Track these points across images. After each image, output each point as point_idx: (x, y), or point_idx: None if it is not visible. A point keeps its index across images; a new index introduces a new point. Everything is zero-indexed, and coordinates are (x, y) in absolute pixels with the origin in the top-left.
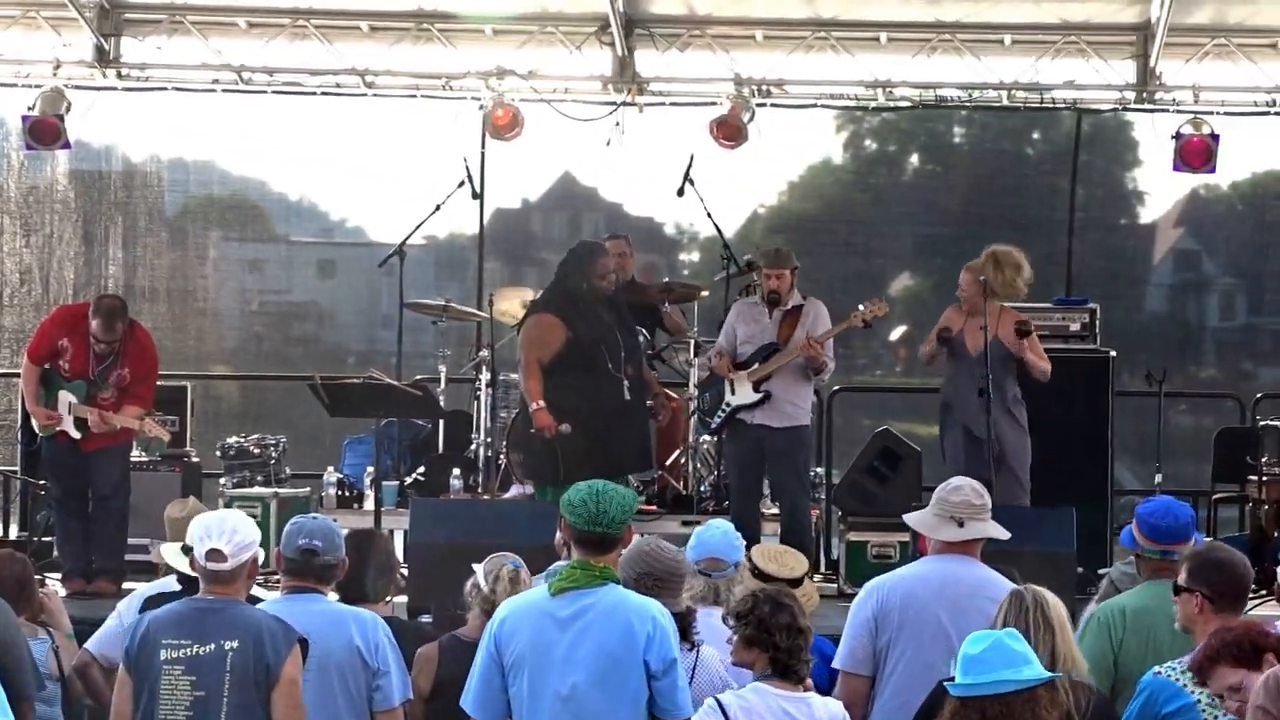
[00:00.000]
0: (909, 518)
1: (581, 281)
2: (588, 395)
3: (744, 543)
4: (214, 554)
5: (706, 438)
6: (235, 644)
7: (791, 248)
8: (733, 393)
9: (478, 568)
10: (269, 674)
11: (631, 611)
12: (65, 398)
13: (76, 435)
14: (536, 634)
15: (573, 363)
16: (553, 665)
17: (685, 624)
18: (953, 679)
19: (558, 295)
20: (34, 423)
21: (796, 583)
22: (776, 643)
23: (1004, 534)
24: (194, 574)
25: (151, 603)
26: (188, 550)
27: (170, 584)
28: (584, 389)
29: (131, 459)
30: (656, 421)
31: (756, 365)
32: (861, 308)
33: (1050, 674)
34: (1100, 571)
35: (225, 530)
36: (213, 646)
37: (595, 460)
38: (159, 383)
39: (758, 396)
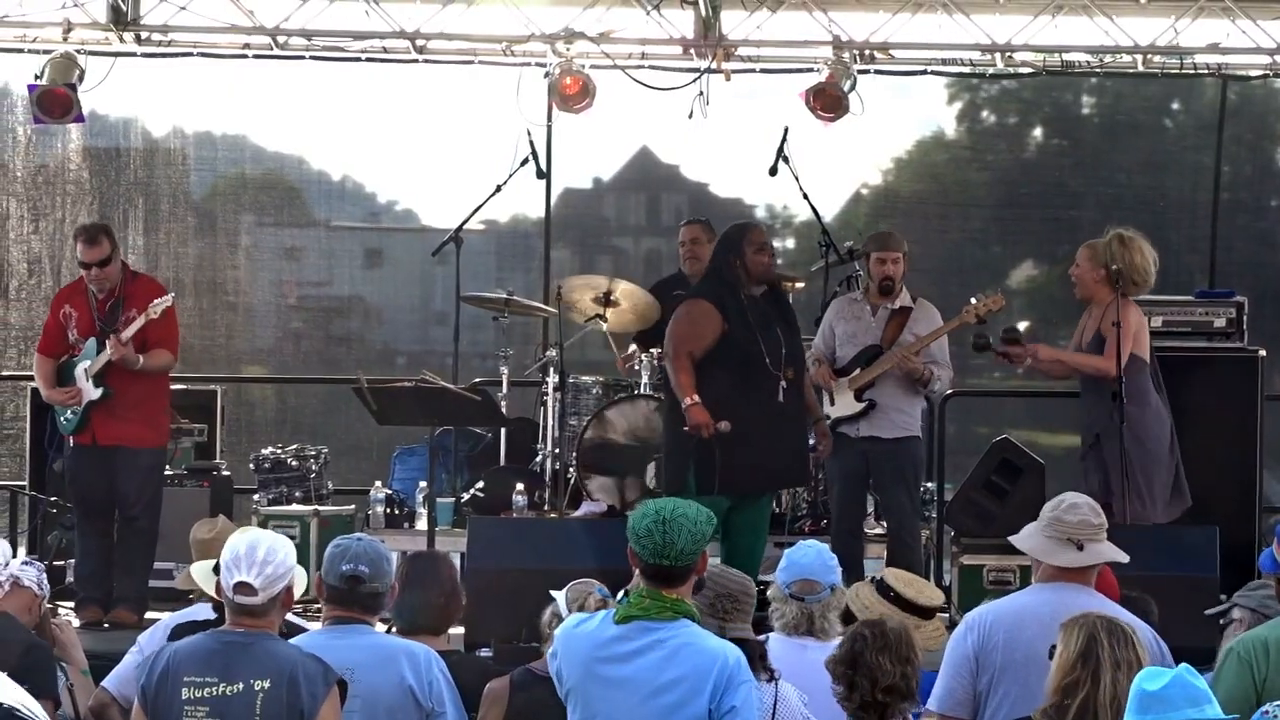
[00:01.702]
0: (1018, 540)
1: (736, 261)
2: (740, 394)
3: (838, 563)
4: (242, 587)
5: None
6: (266, 684)
7: (898, 233)
8: (832, 403)
9: (559, 596)
10: (303, 719)
11: (703, 654)
12: (79, 368)
13: (96, 394)
14: (589, 670)
15: (727, 356)
16: (604, 708)
17: (757, 652)
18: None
19: (713, 282)
20: (58, 419)
21: (930, 613)
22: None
23: (1123, 556)
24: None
25: (179, 632)
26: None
27: (201, 611)
28: (736, 387)
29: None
30: (815, 453)
31: (858, 371)
32: (974, 301)
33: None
34: (1212, 612)
35: (255, 561)
36: (241, 686)
37: (741, 469)
38: (184, 386)
39: (860, 406)
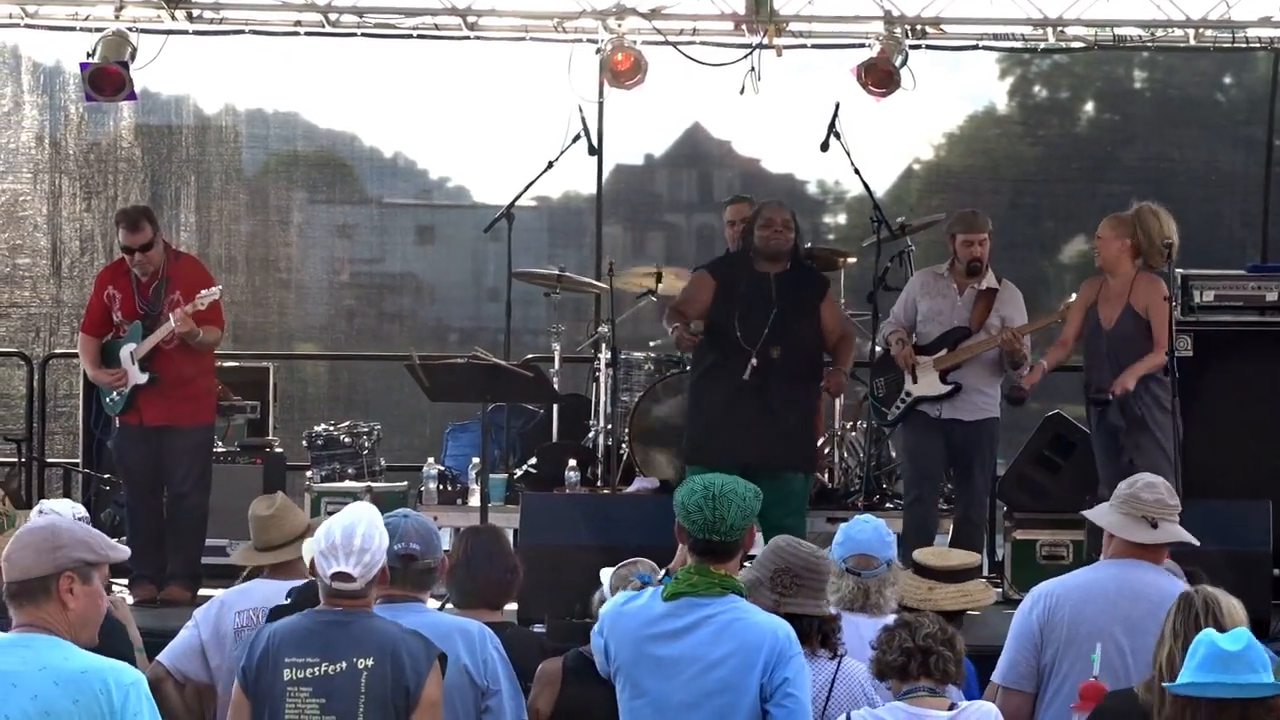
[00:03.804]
0: (1093, 514)
1: (750, 239)
2: (716, 366)
3: (894, 539)
4: (341, 576)
5: (854, 424)
6: (370, 662)
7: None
8: (914, 381)
9: (605, 577)
10: (409, 697)
11: (751, 629)
12: (125, 351)
13: (143, 379)
14: (640, 646)
15: (712, 327)
16: (654, 684)
17: (828, 630)
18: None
19: (727, 255)
20: (104, 400)
21: (948, 575)
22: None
23: (1194, 539)
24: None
25: (278, 614)
26: None
27: (257, 589)
28: (715, 359)
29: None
30: (829, 384)
31: (944, 352)
32: (1074, 297)
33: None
34: None
35: (353, 550)
36: (344, 665)
37: (705, 441)
38: (236, 363)
39: (947, 388)
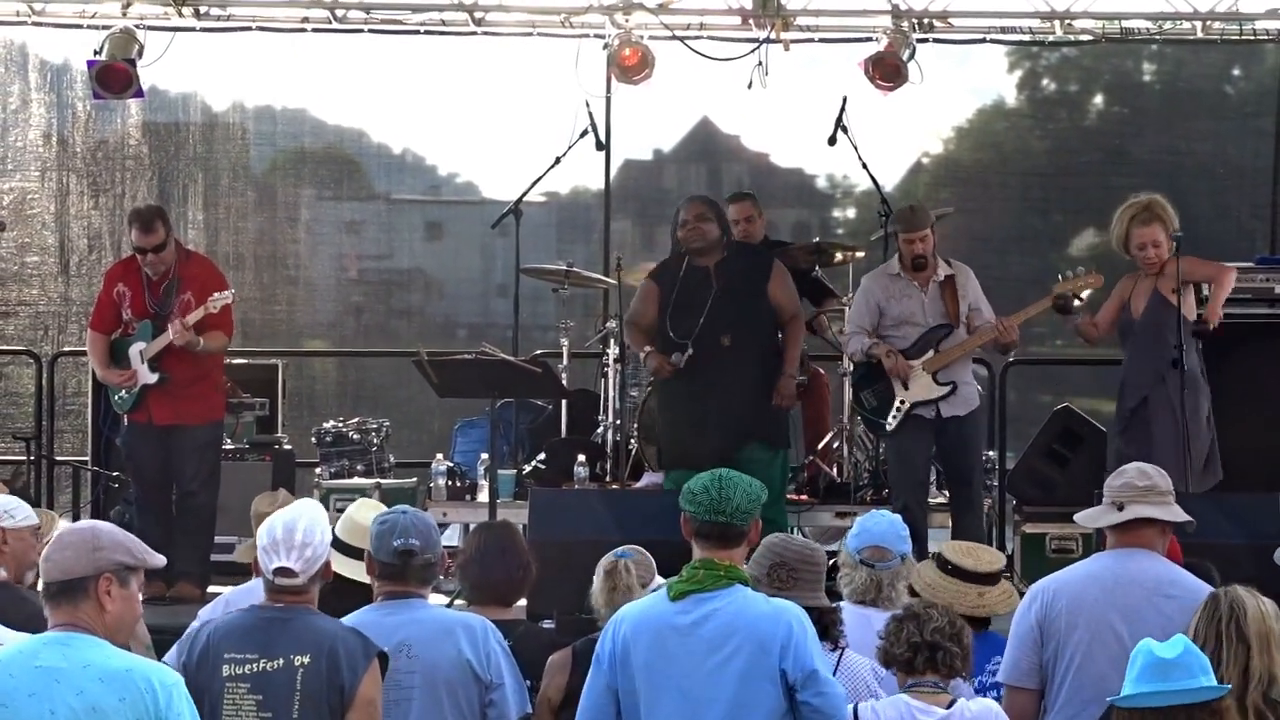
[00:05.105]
0: (1079, 516)
1: (673, 243)
2: (681, 369)
3: (909, 533)
4: (283, 571)
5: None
6: (306, 660)
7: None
8: (906, 388)
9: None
10: (343, 695)
11: (763, 616)
12: (134, 350)
13: (153, 379)
14: (655, 646)
15: (666, 331)
16: (673, 682)
17: (828, 621)
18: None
19: (667, 260)
20: (113, 398)
21: (993, 578)
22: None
23: (1174, 517)
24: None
25: None
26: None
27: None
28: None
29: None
30: (777, 395)
31: (931, 354)
32: (1061, 278)
33: (1224, 687)
34: None
35: (294, 545)
36: (281, 662)
37: (688, 440)
38: (245, 360)
39: (944, 390)
